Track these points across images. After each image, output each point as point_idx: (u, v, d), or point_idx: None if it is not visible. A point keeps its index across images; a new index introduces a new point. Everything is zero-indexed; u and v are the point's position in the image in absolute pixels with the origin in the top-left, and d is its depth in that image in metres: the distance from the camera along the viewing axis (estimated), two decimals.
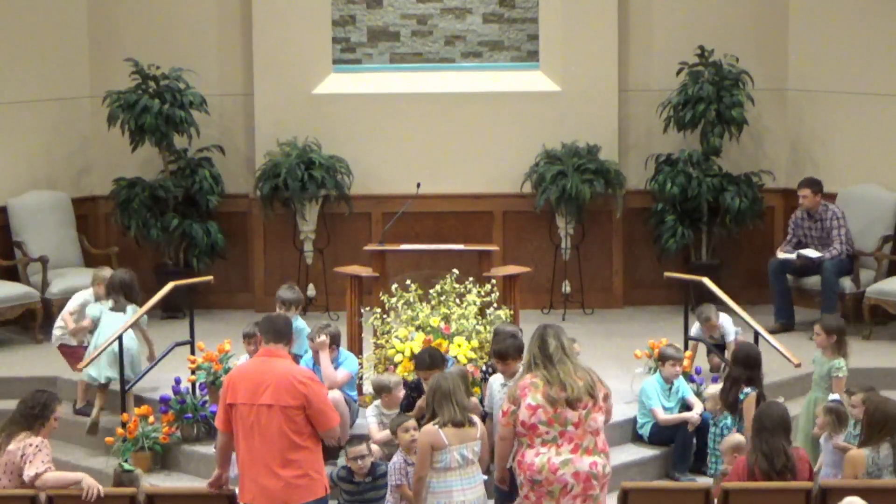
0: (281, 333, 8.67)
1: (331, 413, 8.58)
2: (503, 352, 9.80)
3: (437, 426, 8.88)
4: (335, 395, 10.26)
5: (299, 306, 11.60)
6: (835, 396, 10.36)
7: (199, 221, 14.36)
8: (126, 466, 9.69)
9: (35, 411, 9.16)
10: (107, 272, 12.18)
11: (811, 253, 13.59)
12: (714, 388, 10.82)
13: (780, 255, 13.74)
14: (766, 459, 8.72)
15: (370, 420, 10.51)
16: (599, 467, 8.56)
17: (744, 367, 10.49)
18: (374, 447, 10.20)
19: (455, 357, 10.63)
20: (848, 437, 9.77)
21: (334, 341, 10.73)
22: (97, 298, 12.03)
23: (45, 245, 14.00)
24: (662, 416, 10.93)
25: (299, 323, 11.30)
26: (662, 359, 11.13)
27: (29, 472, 8.90)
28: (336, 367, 10.71)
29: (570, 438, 8.53)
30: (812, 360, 10.92)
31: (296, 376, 8.52)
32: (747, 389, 10.33)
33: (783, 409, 9.04)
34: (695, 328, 12.08)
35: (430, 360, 10.03)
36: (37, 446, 8.98)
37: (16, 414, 9.23)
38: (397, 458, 9.63)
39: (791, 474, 8.74)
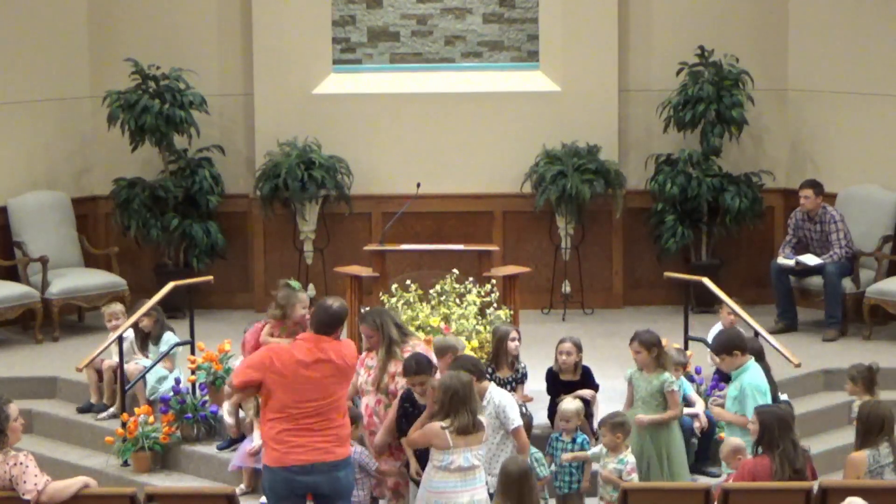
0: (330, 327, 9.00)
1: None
2: None
3: (444, 429, 8.90)
4: None
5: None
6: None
7: (199, 221, 14.36)
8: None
9: None
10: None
11: (809, 260, 13.57)
12: (568, 405, 10.25)
13: (780, 260, 13.71)
14: (790, 462, 8.75)
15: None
16: None
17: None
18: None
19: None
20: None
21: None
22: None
23: (45, 245, 13.99)
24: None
25: None
26: None
27: (28, 490, 8.42)
28: None
29: None
30: (627, 379, 10.50)
31: (349, 345, 9.08)
32: None
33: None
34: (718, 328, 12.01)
35: (416, 365, 9.56)
36: (21, 463, 8.46)
37: None
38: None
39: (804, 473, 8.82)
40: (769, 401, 9.86)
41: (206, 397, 11.42)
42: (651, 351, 10.28)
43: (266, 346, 9.43)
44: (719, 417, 10.08)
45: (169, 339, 11.80)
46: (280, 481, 8.70)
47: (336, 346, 8.87)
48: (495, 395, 9.55)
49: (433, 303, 11.21)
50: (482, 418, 9.09)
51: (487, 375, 10.49)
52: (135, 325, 11.86)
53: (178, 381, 11.52)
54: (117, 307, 12.29)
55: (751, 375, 9.89)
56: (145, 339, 11.93)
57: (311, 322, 9.08)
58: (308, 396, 8.67)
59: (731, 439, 9.78)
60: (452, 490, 8.89)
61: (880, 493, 8.50)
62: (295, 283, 10.73)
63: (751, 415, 9.54)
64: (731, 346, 9.96)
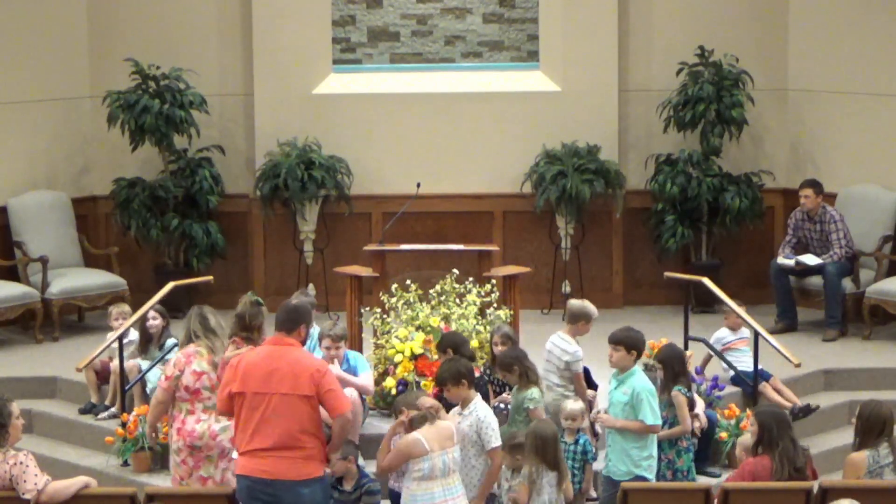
0: (292, 322, 8.83)
1: (342, 397, 8.75)
2: (439, 378, 9.52)
3: (418, 434, 8.92)
4: (352, 394, 10.23)
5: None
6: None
7: (199, 221, 14.36)
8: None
9: None
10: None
11: (809, 260, 13.56)
12: (572, 405, 10.27)
13: (780, 260, 13.70)
14: (791, 461, 8.76)
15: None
16: None
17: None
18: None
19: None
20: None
21: (340, 338, 10.66)
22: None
23: (45, 245, 13.99)
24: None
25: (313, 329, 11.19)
26: None
27: (28, 490, 8.41)
28: (347, 370, 10.66)
29: None
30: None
31: (312, 364, 8.71)
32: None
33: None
34: (723, 331, 12.02)
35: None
36: (21, 463, 8.45)
37: None
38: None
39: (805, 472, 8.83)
40: (657, 403, 9.84)
41: None
42: (512, 371, 10.12)
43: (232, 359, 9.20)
44: (608, 424, 9.85)
45: (171, 345, 11.77)
46: (244, 489, 8.71)
47: (296, 352, 8.75)
48: (479, 410, 9.47)
49: (433, 303, 11.21)
50: (449, 423, 9.12)
51: (485, 379, 10.57)
52: (142, 327, 11.85)
53: None
54: (125, 307, 12.28)
55: (641, 380, 9.77)
56: (148, 341, 11.89)
57: (275, 323, 8.96)
58: (270, 403, 8.56)
59: (745, 437, 9.73)
60: (442, 501, 8.90)
61: (880, 494, 8.52)
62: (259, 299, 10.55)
63: (648, 419, 9.56)
64: (637, 345, 9.81)
